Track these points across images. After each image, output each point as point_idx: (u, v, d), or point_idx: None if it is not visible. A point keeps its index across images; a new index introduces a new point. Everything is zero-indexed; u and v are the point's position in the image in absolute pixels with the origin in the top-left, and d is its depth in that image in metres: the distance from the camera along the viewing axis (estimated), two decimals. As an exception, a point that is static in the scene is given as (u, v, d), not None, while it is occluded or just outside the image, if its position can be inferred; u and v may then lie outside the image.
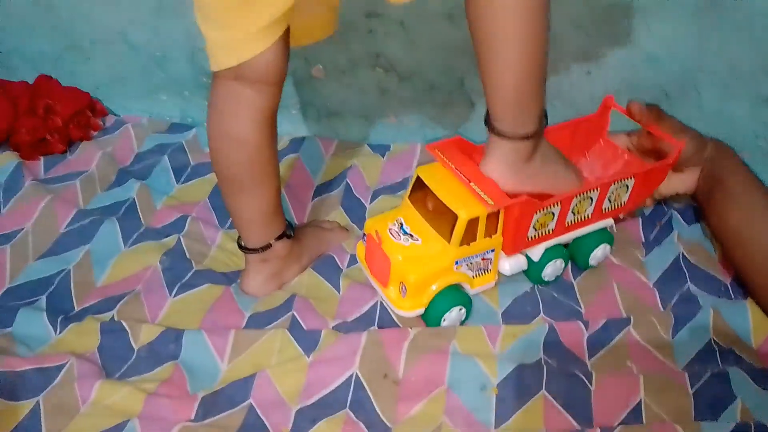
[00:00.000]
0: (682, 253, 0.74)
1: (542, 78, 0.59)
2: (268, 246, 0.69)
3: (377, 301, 0.69)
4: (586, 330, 0.66)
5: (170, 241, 0.76)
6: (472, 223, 0.63)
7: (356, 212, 0.84)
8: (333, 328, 0.67)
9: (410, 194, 0.69)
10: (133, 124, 0.97)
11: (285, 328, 0.65)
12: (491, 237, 0.66)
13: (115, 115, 1.00)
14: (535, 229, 0.67)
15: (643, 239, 0.78)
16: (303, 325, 0.67)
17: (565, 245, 0.72)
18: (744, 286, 0.70)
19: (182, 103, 1.00)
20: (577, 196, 0.67)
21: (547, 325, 0.66)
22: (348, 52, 0.87)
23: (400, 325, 0.67)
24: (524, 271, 0.72)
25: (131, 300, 0.69)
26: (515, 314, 0.69)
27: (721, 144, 0.74)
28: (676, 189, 0.75)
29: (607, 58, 0.81)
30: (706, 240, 0.77)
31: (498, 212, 0.64)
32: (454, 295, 0.66)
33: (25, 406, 0.56)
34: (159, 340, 0.65)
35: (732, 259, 0.71)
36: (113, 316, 0.67)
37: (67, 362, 0.60)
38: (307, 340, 0.64)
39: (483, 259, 0.67)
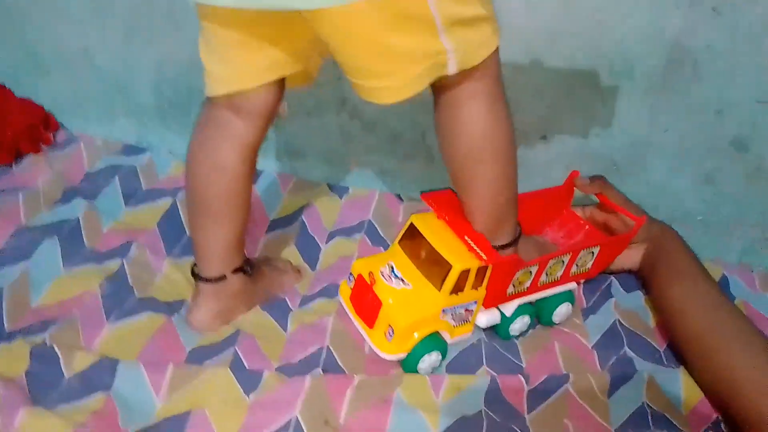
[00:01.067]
0: (618, 320, 0.78)
1: (513, 201, 0.69)
2: (223, 278, 0.69)
3: (325, 345, 0.69)
4: (527, 384, 0.68)
5: (113, 266, 0.75)
6: (464, 275, 0.66)
7: (310, 252, 0.85)
8: (277, 369, 0.67)
9: (401, 240, 0.72)
10: (86, 143, 0.96)
11: (227, 366, 0.65)
12: (477, 290, 0.69)
13: (68, 132, 0.99)
14: (513, 286, 0.71)
15: (584, 305, 0.82)
16: (246, 364, 0.67)
17: (532, 303, 0.76)
18: (678, 355, 0.74)
19: (140, 129, 1.00)
20: (553, 259, 0.72)
21: (489, 378, 0.68)
22: (315, 94, 0.90)
23: (346, 371, 0.68)
24: (494, 327, 0.75)
25: (67, 325, 0.67)
26: (459, 365, 0.71)
27: (666, 225, 0.80)
28: (623, 264, 0.81)
29: (563, 126, 0.87)
30: (643, 309, 0.81)
31: (486, 267, 0.68)
32: (434, 340, 0.69)
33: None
34: (92, 369, 0.63)
35: (669, 329, 0.75)
36: (45, 340, 0.65)
37: (-4, 385, 0.58)
38: (249, 381, 0.64)
39: (466, 310, 0.70)
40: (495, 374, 0.69)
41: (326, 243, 0.86)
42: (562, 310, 0.77)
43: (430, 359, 0.69)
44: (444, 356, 0.70)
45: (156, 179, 0.93)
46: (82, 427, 0.58)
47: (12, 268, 0.73)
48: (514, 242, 0.71)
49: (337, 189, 0.96)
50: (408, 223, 0.71)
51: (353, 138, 0.93)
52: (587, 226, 0.84)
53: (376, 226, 0.89)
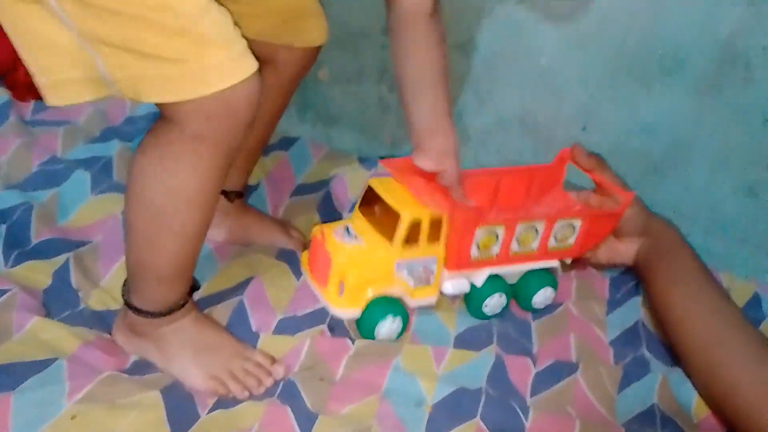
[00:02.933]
0: (642, 320, 0.77)
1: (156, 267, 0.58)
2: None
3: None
4: (534, 367, 0.68)
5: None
6: (415, 225, 0.66)
7: (330, 219, 0.86)
8: (280, 320, 0.69)
9: (360, 205, 0.72)
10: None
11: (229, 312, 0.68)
12: (433, 244, 0.68)
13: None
14: (479, 249, 0.70)
15: (608, 296, 0.81)
16: (250, 316, 0.69)
17: (510, 283, 0.75)
18: (679, 362, 0.70)
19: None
20: (522, 223, 0.70)
21: (495, 356, 0.68)
22: (357, 61, 0.92)
23: (350, 331, 0.69)
24: (466, 300, 0.74)
25: (89, 248, 0.70)
26: (468, 340, 0.71)
27: (667, 221, 0.75)
28: (615, 258, 0.76)
29: (605, 118, 0.86)
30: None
31: (441, 220, 0.67)
32: (391, 304, 0.69)
33: (-43, 319, 0.57)
34: (105, 312, 0.66)
35: (669, 336, 0.70)
36: (68, 260, 0.68)
37: (11, 289, 0.61)
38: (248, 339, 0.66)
39: (425, 269, 0.70)
40: (502, 353, 0.69)
41: (349, 212, 0.88)
42: (544, 295, 0.76)
43: (389, 325, 0.68)
44: (405, 324, 0.70)
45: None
46: (88, 344, 0.60)
47: (43, 191, 0.76)
48: (149, 313, 0.60)
49: (366, 162, 0.97)
50: (366, 186, 0.71)
51: (390, 110, 0.94)
52: (578, 207, 0.79)
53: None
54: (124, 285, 0.61)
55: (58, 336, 0.60)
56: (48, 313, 0.64)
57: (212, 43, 0.48)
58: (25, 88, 0.92)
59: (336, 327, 0.70)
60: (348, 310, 0.68)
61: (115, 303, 0.67)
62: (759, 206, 0.86)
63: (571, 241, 0.75)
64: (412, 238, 0.67)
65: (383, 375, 0.64)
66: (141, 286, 0.59)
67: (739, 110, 0.81)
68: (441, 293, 0.72)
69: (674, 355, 0.71)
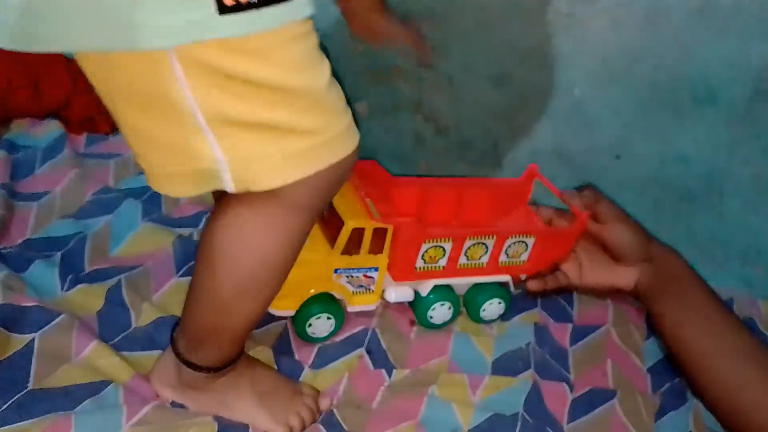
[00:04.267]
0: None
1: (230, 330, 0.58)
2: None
3: (371, 327, 0.74)
4: (571, 394, 0.69)
5: (185, 231, 0.83)
6: (357, 233, 0.68)
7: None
8: (320, 347, 0.72)
9: None
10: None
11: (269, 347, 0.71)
12: (376, 255, 0.70)
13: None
14: (425, 261, 0.71)
15: (645, 324, 0.82)
16: (292, 340, 0.73)
17: (458, 294, 0.76)
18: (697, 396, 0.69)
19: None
20: (470, 238, 0.71)
21: (532, 382, 0.69)
22: (393, 95, 0.95)
23: (389, 354, 0.72)
24: (412, 308, 0.76)
25: (140, 272, 0.75)
26: (504, 367, 0.73)
27: (668, 247, 0.74)
28: (613, 282, 0.74)
29: (639, 148, 0.88)
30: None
31: (386, 231, 0.69)
32: (326, 302, 0.70)
33: (21, 341, 0.61)
34: (154, 325, 0.70)
35: (686, 370, 0.67)
36: (120, 281, 0.72)
37: (66, 313, 0.66)
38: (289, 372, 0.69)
39: (365, 276, 0.71)
40: (539, 380, 0.71)
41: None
42: (492, 307, 0.77)
43: (321, 323, 0.70)
44: (339, 324, 0.71)
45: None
46: (141, 375, 0.64)
47: (96, 219, 0.81)
48: (211, 369, 0.60)
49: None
50: None
51: (425, 141, 0.98)
52: (540, 225, 0.79)
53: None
54: (174, 341, 0.60)
55: (113, 363, 0.63)
56: (102, 336, 0.67)
57: (338, 113, 0.48)
58: (79, 123, 0.98)
59: (374, 350, 0.72)
60: (282, 311, 0.69)
61: (164, 312, 0.70)
62: (796, 235, 0.87)
63: (524, 257, 0.76)
64: (353, 246, 0.68)
65: (419, 403, 0.66)
66: (208, 347, 0.58)
67: (772, 139, 0.83)
68: (384, 299, 0.74)
69: (692, 389, 0.70)
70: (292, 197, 0.49)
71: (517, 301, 0.81)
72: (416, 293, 0.74)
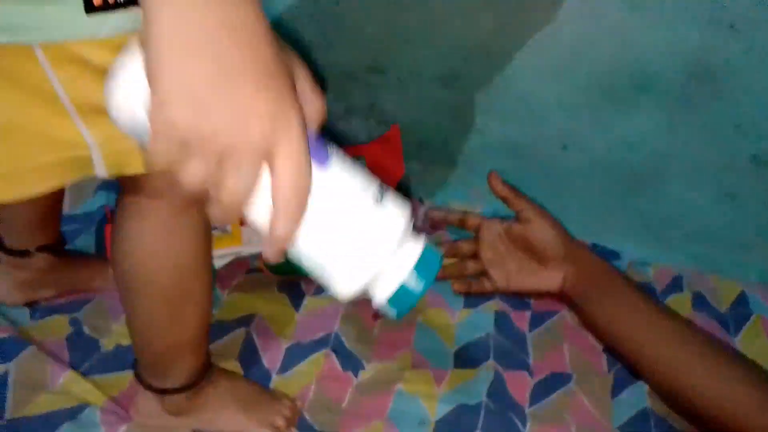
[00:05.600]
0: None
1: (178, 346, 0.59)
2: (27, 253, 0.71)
3: (333, 330, 0.77)
4: (532, 379, 0.73)
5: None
6: None
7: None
8: (287, 348, 0.74)
9: None
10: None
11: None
12: None
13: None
14: None
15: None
16: (257, 345, 0.75)
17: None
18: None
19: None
20: None
21: (493, 371, 0.73)
22: (346, 99, 0.98)
23: (354, 352, 0.75)
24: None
25: (96, 302, 0.77)
26: (466, 358, 0.76)
27: (584, 244, 0.75)
28: (538, 287, 0.73)
29: (584, 137, 0.92)
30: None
31: None
32: None
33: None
34: (120, 347, 0.72)
35: (628, 363, 0.68)
36: (83, 309, 0.74)
37: (35, 342, 0.67)
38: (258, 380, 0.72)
39: None
40: (501, 369, 0.74)
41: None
42: None
43: None
44: None
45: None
46: (114, 398, 0.66)
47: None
48: (187, 386, 0.62)
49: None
50: None
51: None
52: None
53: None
54: (141, 378, 0.61)
55: (86, 389, 0.66)
56: (72, 362, 0.69)
57: None
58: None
59: (339, 349, 0.75)
60: None
61: (127, 339, 0.71)
62: (737, 209, 0.92)
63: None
64: None
65: (387, 400, 0.70)
66: (173, 367, 0.59)
67: (710, 120, 0.87)
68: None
69: (634, 375, 0.72)
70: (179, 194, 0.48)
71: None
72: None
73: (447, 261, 0.74)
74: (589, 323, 0.69)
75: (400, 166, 0.82)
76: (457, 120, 0.96)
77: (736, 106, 0.85)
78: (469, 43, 0.90)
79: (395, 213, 0.33)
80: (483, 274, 0.76)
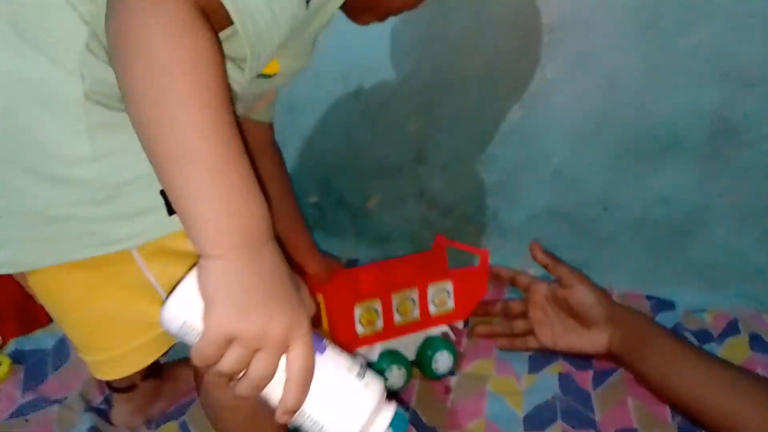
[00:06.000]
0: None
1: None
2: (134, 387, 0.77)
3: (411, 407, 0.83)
4: (598, 437, 0.78)
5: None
6: None
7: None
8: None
9: None
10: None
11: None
12: (315, 329, 0.78)
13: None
14: (363, 325, 0.79)
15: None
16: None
17: (413, 362, 0.84)
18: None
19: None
20: (395, 293, 0.79)
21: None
22: (397, 189, 1.08)
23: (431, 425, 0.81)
24: None
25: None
26: (535, 421, 0.81)
27: (632, 308, 0.78)
28: (583, 348, 0.77)
29: (623, 198, 0.98)
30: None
31: (317, 302, 0.76)
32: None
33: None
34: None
35: (688, 416, 0.71)
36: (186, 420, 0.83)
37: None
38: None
39: None
40: (569, 428, 0.79)
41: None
42: (443, 360, 0.83)
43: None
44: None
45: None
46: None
47: None
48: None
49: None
50: None
51: (433, 223, 1.09)
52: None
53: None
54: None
55: None
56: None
57: None
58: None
59: (417, 424, 0.81)
60: None
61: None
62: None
63: (450, 304, 0.83)
64: None
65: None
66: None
67: (740, 169, 0.92)
68: None
69: (695, 426, 0.73)
70: None
71: (539, 356, 0.90)
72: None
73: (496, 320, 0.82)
74: (643, 380, 0.73)
75: (484, 288, 0.87)
76: (502, 195, 1.04)
77: (762, 153, 0.90)
78: (502, 126, 0.99)
79: (374, 387, 0.46)
80: (530, 332, 0.82)
